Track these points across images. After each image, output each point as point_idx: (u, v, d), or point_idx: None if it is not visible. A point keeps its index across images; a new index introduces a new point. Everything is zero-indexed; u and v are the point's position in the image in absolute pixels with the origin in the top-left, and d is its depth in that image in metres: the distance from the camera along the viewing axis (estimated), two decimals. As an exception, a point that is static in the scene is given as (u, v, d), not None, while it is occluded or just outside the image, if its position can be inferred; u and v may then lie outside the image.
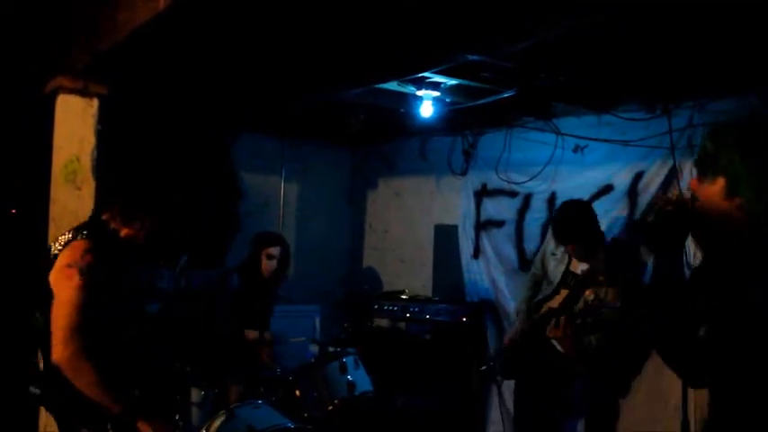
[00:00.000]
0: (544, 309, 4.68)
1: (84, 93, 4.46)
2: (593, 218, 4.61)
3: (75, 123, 4.47)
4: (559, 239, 4.69)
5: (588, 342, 4.37)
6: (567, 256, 4.74)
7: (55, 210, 4.42)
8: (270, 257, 5.32)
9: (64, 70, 4.38)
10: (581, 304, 4.47)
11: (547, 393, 4.59)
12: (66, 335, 2.83)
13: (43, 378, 3.02)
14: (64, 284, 2.89)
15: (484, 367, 5.39)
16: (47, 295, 2.94)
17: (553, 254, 4.87)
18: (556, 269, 4.79)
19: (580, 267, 4.63)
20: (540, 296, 4.83)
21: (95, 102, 4.51)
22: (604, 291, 4.42)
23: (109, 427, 2.91)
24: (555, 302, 4.65)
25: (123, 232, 3.13)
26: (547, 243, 5.08)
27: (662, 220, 2.21)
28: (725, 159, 2.11)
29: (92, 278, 2.91)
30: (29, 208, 4.83)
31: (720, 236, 2.19)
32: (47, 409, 3.17)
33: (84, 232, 3.04)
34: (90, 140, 4.48)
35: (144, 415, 2.93)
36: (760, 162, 2.09)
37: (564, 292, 4.63)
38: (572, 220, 4.58)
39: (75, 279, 2.89)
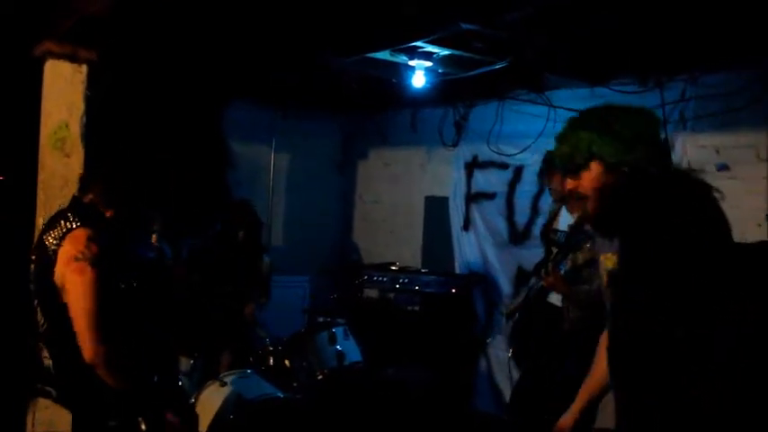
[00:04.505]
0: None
1: (72, 58, 4.39)
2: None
3: (63, 89, 4.40)
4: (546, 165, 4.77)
5: (586, 290, 4.40)
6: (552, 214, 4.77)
7: (43, 177, 4.37)
8: (235, 229, 5.35)
9: (52, 35, 4.30)
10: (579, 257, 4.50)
11: (546, 364, 4.56)
12: (95, 333, 2.64)
13: (58, 377, 2.83)
14: (76, 280, 2.66)
15: (489, 339, 5.41)
16: (50, 294, 2.75)
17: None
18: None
19: (561, 223, 4.63)
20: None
21: (84, 68, 4.44)
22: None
23: (140, 419, 2.76)
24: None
25: (108, 214, 2.91)
26: None
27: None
28: (584, 145, 2.31)
29: (103, 267, 2.69)
30: (17, 175, 4.78)
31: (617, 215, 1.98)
32: (66, 407, 2.91)
33: (77, 221, 2.78)
34: (79, 107, 4.42)
35: (169, 405, 2.85)
36: (613, 126, 2.32)
37: (554, 250, 4.66)
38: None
39: (88, 272, 2.66)
